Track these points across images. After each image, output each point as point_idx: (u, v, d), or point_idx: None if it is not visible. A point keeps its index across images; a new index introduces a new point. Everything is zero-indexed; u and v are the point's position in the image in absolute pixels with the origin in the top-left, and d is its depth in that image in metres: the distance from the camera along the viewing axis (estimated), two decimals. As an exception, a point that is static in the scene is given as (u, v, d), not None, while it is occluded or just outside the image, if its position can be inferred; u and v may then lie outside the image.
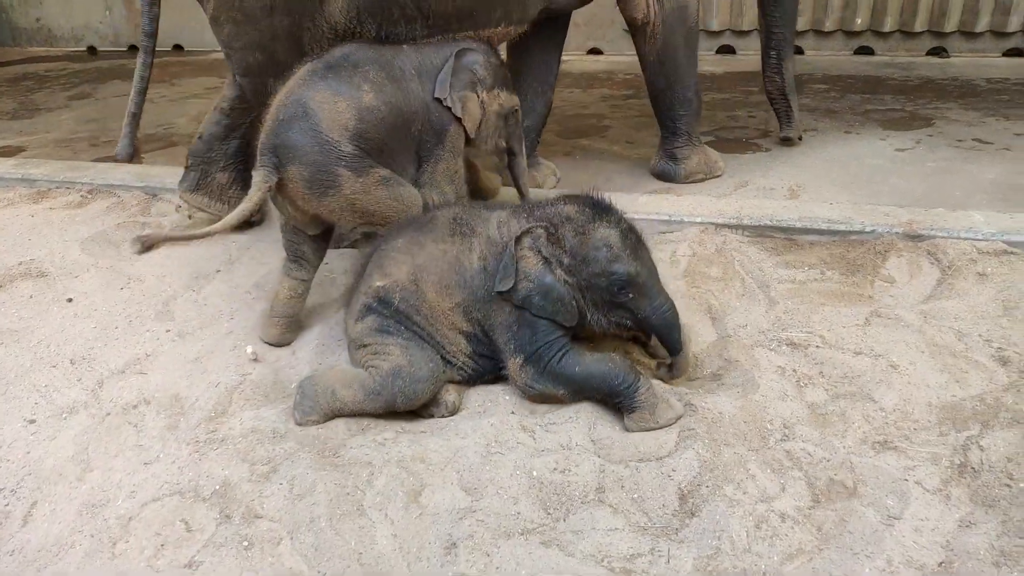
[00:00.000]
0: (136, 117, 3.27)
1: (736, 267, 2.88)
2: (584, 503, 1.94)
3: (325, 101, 2.51)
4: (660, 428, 2.14)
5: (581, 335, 2.37)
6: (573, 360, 2.23)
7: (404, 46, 2.76)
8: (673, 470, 2.00)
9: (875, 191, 3.37)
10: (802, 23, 5.56)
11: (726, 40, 5.97)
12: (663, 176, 3.72)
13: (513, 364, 2.27)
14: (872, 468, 1.98)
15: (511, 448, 2.10)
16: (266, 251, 3.29)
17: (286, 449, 2.19)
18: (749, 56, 5.86)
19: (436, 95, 2.68)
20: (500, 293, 2.24)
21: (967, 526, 1.83)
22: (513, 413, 2.26)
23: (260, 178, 2.53)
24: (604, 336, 2.42)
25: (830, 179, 3.52)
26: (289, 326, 2.73)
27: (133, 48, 7.83)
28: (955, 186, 3.44)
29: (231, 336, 2.75)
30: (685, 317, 2.60)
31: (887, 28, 5.43)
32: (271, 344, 2.72)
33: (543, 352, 2.23)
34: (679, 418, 2.17)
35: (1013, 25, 5.21)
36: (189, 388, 2.49)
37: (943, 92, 4.69)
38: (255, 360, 2.62)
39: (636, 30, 3.47)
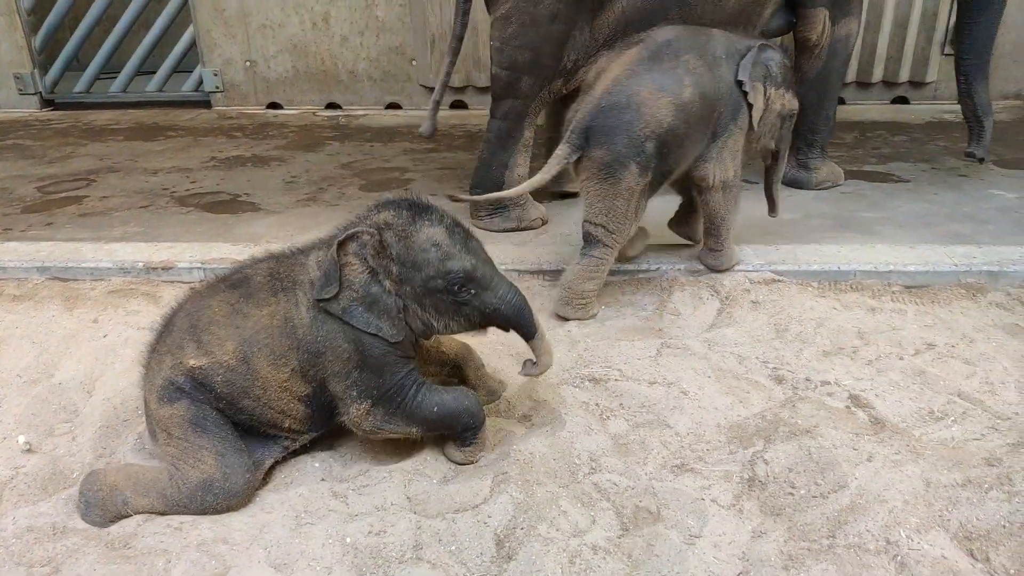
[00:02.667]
0: (438, 104, 3.88)
1: (539, 311, 2.98)
2: (402, 563, 1.89)
3: (650, 97, 2.74)
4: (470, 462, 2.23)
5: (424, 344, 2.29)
6: (431, 399, 2.14)
7: (714, 30, 3.00)
8: (489, 516, 2.00)
9: (661, 232, 3.63)
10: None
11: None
12: (796, 183, 4.20)
13: (357, 410, 2.10)
14: (672, 491, 2.10)
15: (322, 516, 2.02)
16: (38, 329, 2.98)
17: (69, 545, 1.97)
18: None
19: (739, 77, 2.89)
20: (320, 301, 2.05)
21: (759, 536, 1.97)
22: (323, 480, 2.18)
23: (563, 153, 2.86)
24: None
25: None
26: (588, 305, 2.97)
27: None
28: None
29: (0, 426, 2.45)
30: (494, 362, 2.66)
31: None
32: (574, 319, 2.96)
33: (395, 393, 2.11)
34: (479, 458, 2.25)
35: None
36: (-53, 491, 2.18)
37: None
38: (28, 451, 2.34)
39: (804, 49, 4.03)
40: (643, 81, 2.78)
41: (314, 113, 6.46)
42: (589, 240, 2.93)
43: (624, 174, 2.79)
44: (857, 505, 2.00)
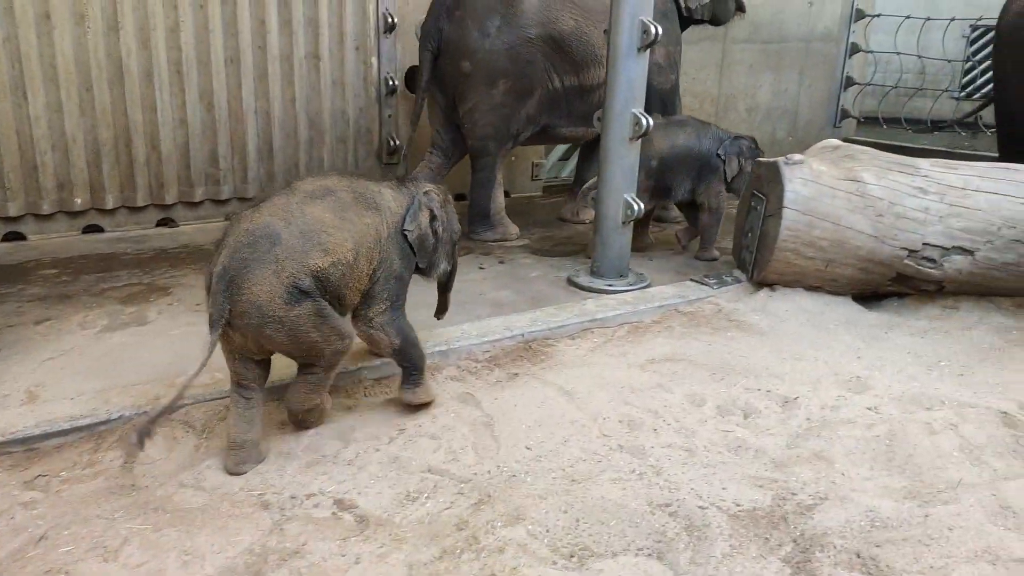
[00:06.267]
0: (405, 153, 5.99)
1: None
2: None
3: (660, 137, 4.99)
4: (429, 401, 3.12)
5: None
6: (407, 323, 3.03)
7: (712, 124, 5.37)
8: None
9: (122, 372, 3.30)
10: (16, 207, 5.21)
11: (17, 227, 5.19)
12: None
13: (380, 307, 2.91)
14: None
15: None
16: None
17: None
18: (47, 240, 5.18)
19: (718, 152, 5.13)
20: (403, 231, 2.95)
21: None
22: None
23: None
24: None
25: (73, 370, 3.32)
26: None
27: None
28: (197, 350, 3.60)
29: None
30: None
31: (111, 205, 5.52)
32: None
33: (399, 304, 2.99)
34: (434, 396, 3.15)
35: (226, 193, 5.91)
36: None
37: (177, 261, 4.97)
38: None
39: None
40: (657, 131, 4.77)
41: None
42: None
43: (640, 176, 4.68)
44: (353, 613, 2.02)
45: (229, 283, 2.49)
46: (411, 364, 3.03)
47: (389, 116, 6.40)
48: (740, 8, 6.73)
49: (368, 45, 6.12)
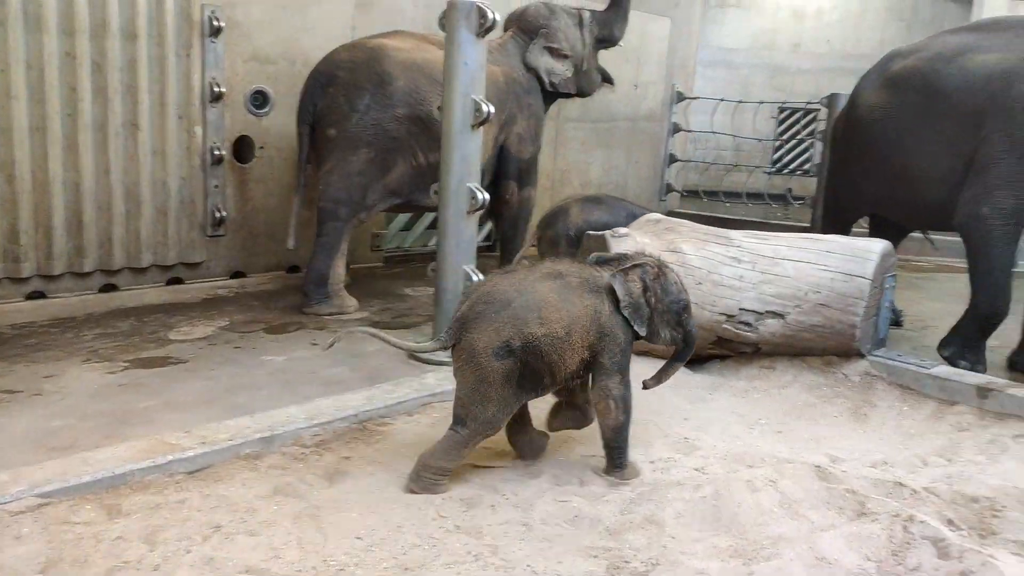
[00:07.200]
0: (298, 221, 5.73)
1: None
2: None
3: (576, 212, 5.69)
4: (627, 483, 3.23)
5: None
6: (631, 399, 3.26)
7: (625, 200, 6.30)
8: None
9: None
10: None
11: None
12: None
13: (615, 381, 3.19)
14: None
15: None
16: None
17: None
18: None
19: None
20: (617, 304, 3.19)
21: None
22: None
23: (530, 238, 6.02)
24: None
25: None
26: None
27: None
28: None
29: None
30: None
31: None
32: None
33: (627, 373, 3.24)
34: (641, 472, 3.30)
35: (27, 271, 5.38)
36: None
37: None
38: None
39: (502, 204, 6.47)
40: (574, 206, 5.72)
41: None
42: None
43: (561, 243, 5.54)
44: None
45: (462, 324, 3.07)
46: (619, 446, 3.26)
47: (215, 186, 6.13)
48: (607, 80, 6.95)
49: (192, 114, 5.86)
